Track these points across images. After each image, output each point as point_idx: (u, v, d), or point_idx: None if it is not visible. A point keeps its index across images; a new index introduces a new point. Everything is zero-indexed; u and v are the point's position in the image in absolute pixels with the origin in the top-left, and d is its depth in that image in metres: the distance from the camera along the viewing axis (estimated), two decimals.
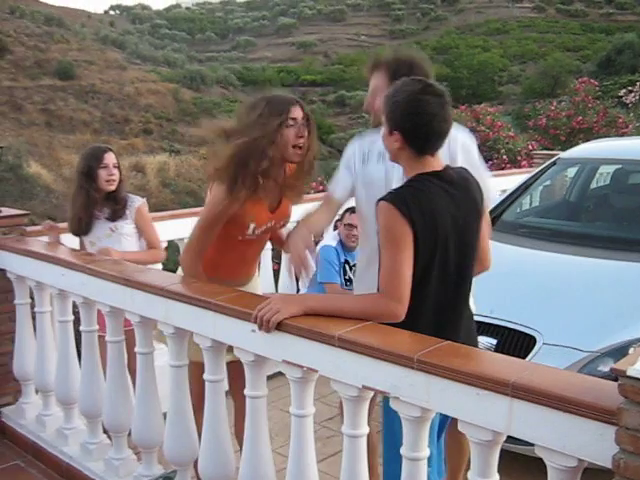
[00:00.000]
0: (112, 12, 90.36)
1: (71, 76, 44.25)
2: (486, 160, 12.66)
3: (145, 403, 3.27)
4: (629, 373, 1.62)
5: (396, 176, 2.85)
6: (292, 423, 2.55)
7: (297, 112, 2.98)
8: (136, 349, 3.22)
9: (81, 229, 4.03)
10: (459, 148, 2.90)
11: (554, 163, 5.76)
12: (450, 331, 2.45)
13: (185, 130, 42.55)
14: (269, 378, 2.80)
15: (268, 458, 2.76)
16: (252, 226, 3.10)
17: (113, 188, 4.01)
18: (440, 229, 2.40)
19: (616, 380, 1.70)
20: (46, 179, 30.46)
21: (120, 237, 4.00)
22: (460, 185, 2.51)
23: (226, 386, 2.99)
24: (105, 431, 3.69)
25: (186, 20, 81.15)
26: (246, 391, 2.70)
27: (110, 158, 4.00)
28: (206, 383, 2.88)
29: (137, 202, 4.10)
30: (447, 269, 2.45)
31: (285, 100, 3.01)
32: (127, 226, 4.03)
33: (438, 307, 2.47)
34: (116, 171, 4.01)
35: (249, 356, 2.63)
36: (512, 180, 7.46)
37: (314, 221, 2.98)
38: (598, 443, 1.75)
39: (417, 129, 2.42)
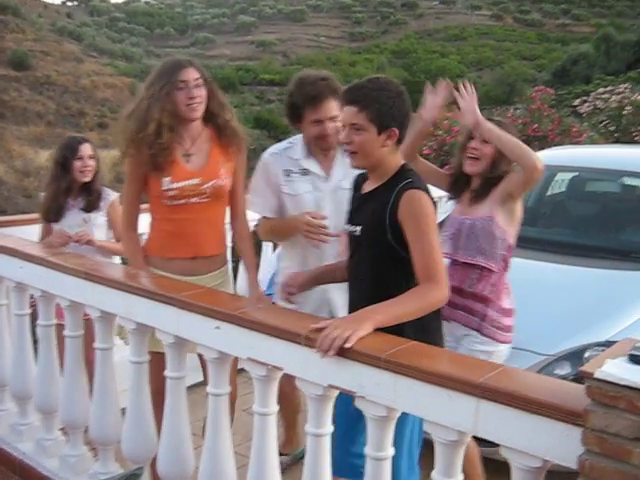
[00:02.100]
0: (69, 3, 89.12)
1: (26, 67, 43.57)
2: (442, 165, 12.80)
3: (103, 399, 3.21)
4: (596, 375, 1.64)
5: (328, 189, 3.30)
6: (255, 421, 2.53)
7: (187, 74, 3.16)
8: (95, 344, 3.17)
9: (52, 216, 4.07)
10: None
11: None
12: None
13: None
14: None
15: (229, 457, 2.74)
16: (166, 180, 3.21)
17: (88, 179, 4.07)
18: None
19: (577, 382, 1.73)
20: None
21: (92, 228, 4.05)
22: None
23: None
24: (61, 428, 3.63)
25: (145, 14, 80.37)
26: (209, 389, 2.68)
27: (86, 149, 4.06)
28: (167, 380, 2.85)
29: (112, 196, 4.16)
30: None
31: (174, 64, 3.21)
32: (100, 218, 4.10)
33: None
34: (91, 162, 4.07)
35: (213, 353, 2.60)
36: None
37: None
38: (563, 444, 1.77)
39: (408, 122, 2.59)
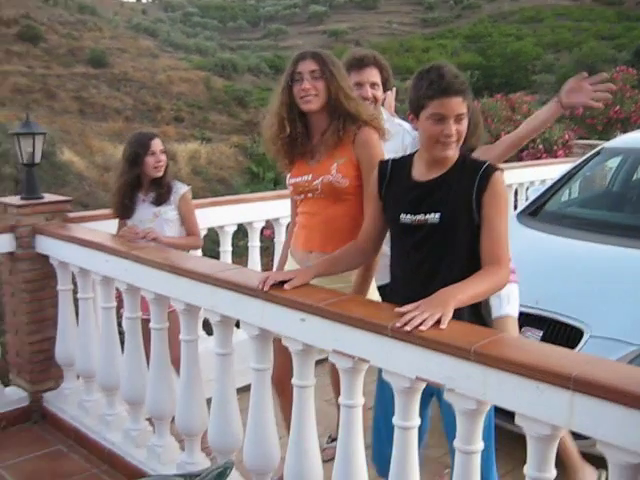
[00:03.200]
0: (144, 0, 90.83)
1: (104, 64, 44.54)
2: (522, 150, 12.56)
3: (189, 390, 3.26)
4: None
5: None
6: (341, 413, 2.53)
7: (303, 66, 3.08)
8: (181, 336, 3.22)
9: (125, 213, 4.06)
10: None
11: (598, 153, 5.65)
12: None
13: (216, 118, 42.64)
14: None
15: (315, 449, 2.74)
16: (288, 176, 3.27)
17: (161, 174, 4.05)
18: None
19: None
20: (79, 166, 30.71)
21: (163, 222, 4.02)
22: None
23: None
24: (148, 418, 3.71)
25: (218, 8, 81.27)
26: (294, 380, 2.68)
27: (157, 144, 4.03)
28: (252, 372, 2.87)
29: (182, 189, 4.12)
30: None
31: (296, 56, 3.17)
32: (170, 212, 4.06)
33: None
34: (163, 157, 4.05)
35: (298, 345, 2.61)
36: (551, 170, 7.40)
37: None
38: None
39: None
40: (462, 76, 2.52)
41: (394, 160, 2.77)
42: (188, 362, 3.25)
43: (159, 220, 4.02)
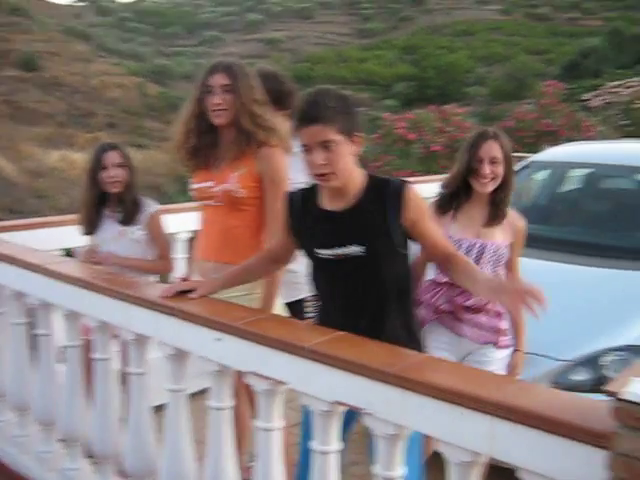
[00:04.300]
0: (78, 4, 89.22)
1: (35, 67, 43.63)
2: (453, 160, 12.70)
3: (103, 411, 3.11)
4: (623, 396, 1.51)
5: None
6: (258, 437, 2.42)
7: (214, 80, 3.08)
8: (94, 355, 3.07)
9: (89, 229, 3.81)
10: None
11: (527, 166, 5.69)
12: None
13: (151, 125, 42.13)
14: None
15: (233, 469, 2.62)
16: (191, 181, 3.28)
17: (117, 190, 3.75)
18: None
19: (591, 391, 1.60)
20: (8, 171, 29.94)
21: (128, 242, 3.75)
22: None
23: None
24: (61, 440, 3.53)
25: (153, 14, 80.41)
26: (210, 402, 2.56)
27: (110, 158, 3.74)
28: (168, 393, 2.74)
29: (152, 208, 3.84)
30: None
31: (208, 68, 3.15)
32: (137, 232, 3.77)
33: None
34: (118, 172, 3.74)
35: (213, 366, 2.49)
36: None
37: None
38: (586, 468, 1.64)
39: None
40: (332, 100, 2.38)
41: (304, 189, 2.67)
42: (101, 381, 3.09)
43: (124, 239, 3.75)
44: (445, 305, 3.22)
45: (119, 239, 3.76)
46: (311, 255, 2.57)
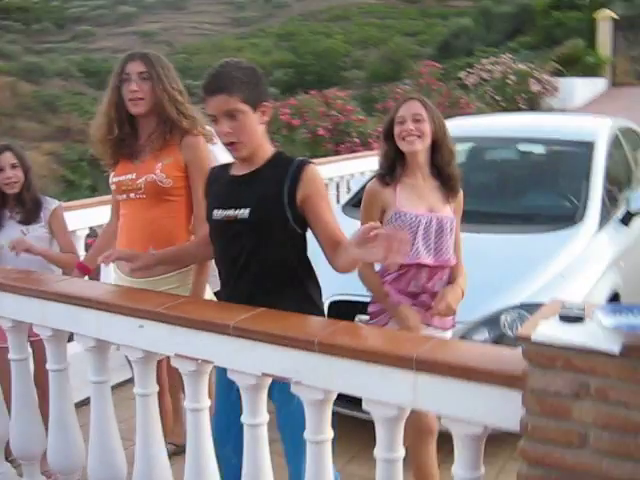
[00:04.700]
0: None
1: None
2: (338, 144, 12.83)
3: (23, 411, 3.07)
4: (533, 338, 1.67)
5: None
6: (188, 417, 2.48)
7: (131, 67, 3.10)
8: (10, 355, 3.02)
9: None
10: None
11: None
12: None
13: (25, 125, 40.66)
14: None
15: (162, 454, 2.66)
16: (112, 174, 3.24)
17: (15, 191, 3.70)
18: None
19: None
20: None
21: (33, 240, 3.67)
22: None
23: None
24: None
25: (20, 10, 77.19)
26: (136, 389, 2.60)
27: (6, 159, 3.69)
28: (91, 385, 2.75)
29: (52, 205, 3.81)
30: None
31: (124, 57, 3.17)
32: (40, 229, 3.74)
33: None
34: (14, 172, 3.69)
35: (138, 353, 2.53)
36: (369, 162, 7.66)
37: None
38: (504, 408, 1.81)
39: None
40: (237, 71, 2.48)
41: (225, 164, 2.77)
42: (18, 381, 3.06)
43: (28, 237, 3.68)
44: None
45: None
46: (209, 220, 2.66)
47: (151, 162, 3.13)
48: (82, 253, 4.98)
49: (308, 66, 54.80)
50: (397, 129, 3.12)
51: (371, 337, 2.17)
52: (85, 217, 5.02)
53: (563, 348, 1.65)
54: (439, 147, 3.15)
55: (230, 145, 2.52)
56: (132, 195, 3.17)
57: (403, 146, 3.12)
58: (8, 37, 64.28)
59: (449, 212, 3.18)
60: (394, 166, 3.17)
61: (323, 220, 2.55)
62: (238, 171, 2.63)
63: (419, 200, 3.14)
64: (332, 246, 2.52)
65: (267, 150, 2.61)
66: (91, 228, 5.13)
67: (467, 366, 1.84)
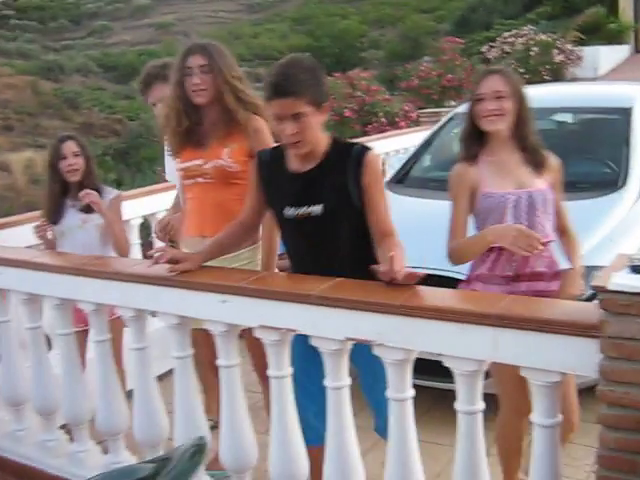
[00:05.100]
0: None
1: None
2: (366, 124, 12.84)
3: (108, 389, 3.26)
4: (609, 287, 1.81)
5: None
6: (272, 385, 2.63)
7: (192, 61, 3.26)
8: (92, 337, 3.22)
9: (52, 219, 3.95)
10: None
11: (451, 118, 6.00)
12: None
13: (49, 123, 40.99)
14: None
15: (248, 431, 2.83)
16: (178, 161, 3.44)
17: (77, 178, 3.92)
18: None
19: None
20: None
21: (92, 228, 3.92)
22: None
23: None
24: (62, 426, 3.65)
25: (36, 9, 77.61)
26: (220, 361, 2.76)
27: (68, 147, 3.90)
28: (175, 360, 2.92)
29: (111, 194, 4.02)
30: None
31: (184, 51, 3.34)
32: (99, 219, 3.93)
33: None
34: (77, 160, 3.91)
35: (221, 327, 2.69)
36: (411, 138, 7.78)
37: None
38: (581, 357, 1.95)
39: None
40: (303, 73, 2.58)
41: (272, 149, 2.92)
42: (101, 362, 3.24)
43: (88, 226, 3.93)
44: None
45: (83, 227, 3.95)
46: (278, 215, 2.82)
47: (217, 148, 3.30)
48: (136, 242, 5.18)
49: (326, 48, 54.63)
50: (476, 107, 2.97)
51: (449, 297, 2.31)
52: (137, 207, 5.19)
53: (637, 295, 1.78)
54: (521, 120, 2.98)
55: (292, 144, 2.65)
56: (200, 180, 3.35)
57: (484, 124, 2.96)
58: (26, 36, 64.69)
59: (541, 185, 2.98)
60: (476, 145, 3.03)
61: (377, 210, 2.69)
62: (299, 166, 2.76)
63: (506, 178, 2.97)
64: (380, 235, 2.64)
65: (323, 142, 2.73)
66: (144, 217, 5.31)
67: (545, 319, 1.98)
